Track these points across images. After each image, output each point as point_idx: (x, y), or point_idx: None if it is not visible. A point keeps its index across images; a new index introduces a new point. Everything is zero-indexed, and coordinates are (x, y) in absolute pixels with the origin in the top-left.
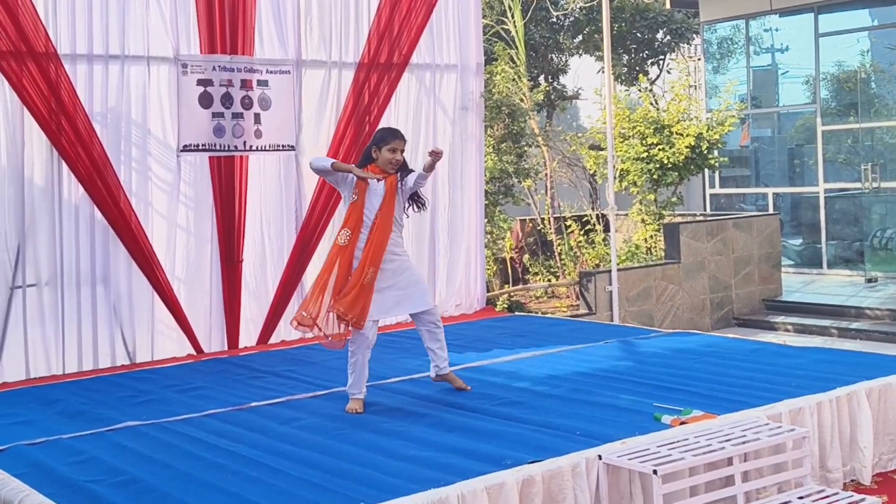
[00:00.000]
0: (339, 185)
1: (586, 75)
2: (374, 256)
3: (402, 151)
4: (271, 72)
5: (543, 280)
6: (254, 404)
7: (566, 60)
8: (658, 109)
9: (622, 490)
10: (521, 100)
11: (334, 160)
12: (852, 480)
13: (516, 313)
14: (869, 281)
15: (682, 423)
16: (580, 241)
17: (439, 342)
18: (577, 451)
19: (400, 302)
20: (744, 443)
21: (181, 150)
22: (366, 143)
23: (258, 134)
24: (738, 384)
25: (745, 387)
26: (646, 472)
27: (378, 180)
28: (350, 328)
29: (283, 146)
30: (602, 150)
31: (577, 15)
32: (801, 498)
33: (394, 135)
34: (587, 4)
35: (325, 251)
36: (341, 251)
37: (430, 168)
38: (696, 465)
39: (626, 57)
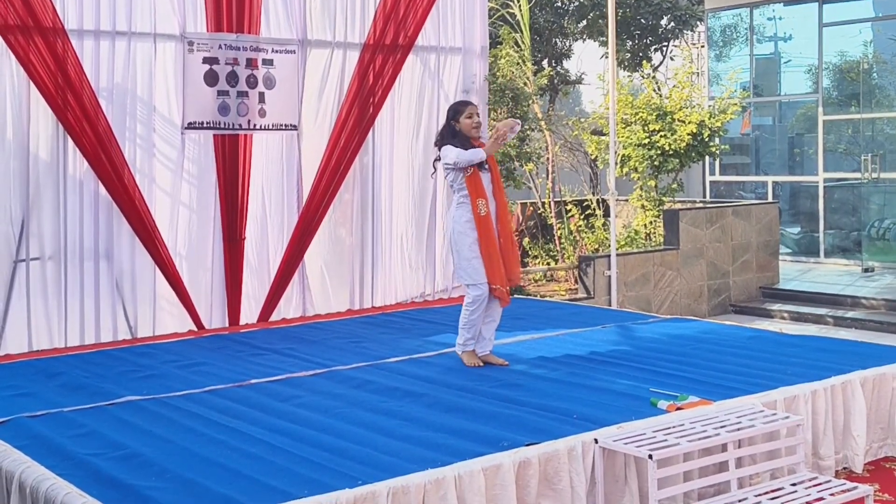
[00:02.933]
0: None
1: (590, 60)
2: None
3: (478, 114)
4: (277, 51)
5: (543, 263)
6: (254, 381)
7: (570, 45)
8: (660, 96)
9: (617, 474)
10: (525, 84)
11: (480, 150)
12: (844, 468)
13: (515, 296)
14: (865, 270)
15: (678, 408)
16: (580, 226)
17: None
18: (573, 434)
19: None
20: (738, 429)
21: (186, 128)
22: (370, 125)
23: (262, 113)
24: (734, 371)
25: (740, 374)
26: (641, 457)
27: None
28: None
29: (286, 125)
30: (604, 135)
31: (581, 0)
32: (794, 485)
33: (464, 104)
34: None
35: (327, 232)
36: (485, 220)
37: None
38: (691, 450)
39: (630, 43)
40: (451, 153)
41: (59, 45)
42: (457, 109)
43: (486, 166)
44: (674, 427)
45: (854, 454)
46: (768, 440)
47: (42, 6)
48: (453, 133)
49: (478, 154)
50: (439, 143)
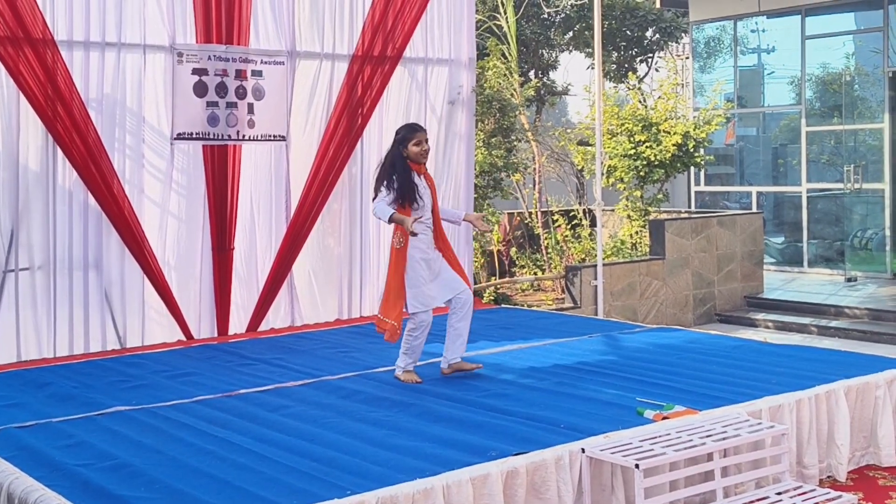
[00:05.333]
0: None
1: (576, 71)
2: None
3: (426, 140)
4: (266, 62)
5: (530, 273)
6: (243, 391)
7: (556, 56)
8: (646, 107)
9: (604, 483)
10: (512, 95)
11: (392, 214)
12: (828, 477)
13: (502, 305)
14: (849, 280)
15: (665, 418)
16: (567, 236)
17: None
18: (560, 443)
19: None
20: (724, 438)
21: (175, 139)
22: (358, 135)
23: (251, 124)
24: (720, 380)
25: (726, 383)
26: (628, 466)
27: (410, 231)
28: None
29: (275, 136)
30: (590, 145)
31: (567, 12)
32: (778, 494)
33: (413, 129)
34: (578, 2)
35: (316, 242)
36: (398, 252)
37: (462, 222)
38: (677, 459)
39: (616, 54)
40: (377, 205)
41: (48, 56)
42: (405, 136)
43: (420, 202)
44: (660, 436)
45: (838, 463)
46: (753, 449)
47: (32, 17)
48: (400, 159)
49: (385, 216)
50: (378, 183)
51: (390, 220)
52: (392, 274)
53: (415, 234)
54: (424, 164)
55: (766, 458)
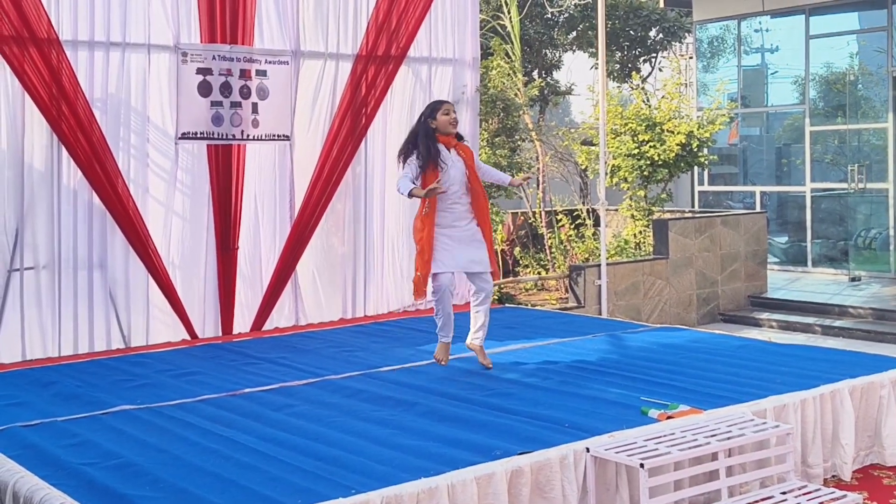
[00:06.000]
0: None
1: (579, 71)
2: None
3: (454, 110)
4: (270, 62)
5: (533, 273)
6: (247, 390)
7: (559, 56)
8: (650, 107)
9: (609, 482)
10: (516, 94)
11: (411, 189)
12: (833, 476)
13: (506, 305)
14: (852, 280)
15: (669, 417)
16: (570, 235)
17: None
18: (565, 443)
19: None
20: (729, 438)
21: (179, 138)
22: (362, 135)
23: (255, 123)
24: (725, 380)
25: (730, 382)
26: (633, 466)
27: (437, 188)
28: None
29: (279, 136)
30: (594, 145)
31: (571, 11)
32: (783, 493)
33: (440, 101)
34: (582, 2)
35: (320, 241)
36: (425, 218)
37: (510, 184)
38: (682, 459)
39: (619, 54)
40: (399, 181)
41: (53, 56)
42: (433, 108)
43: (443, 165)
44: (665, 436)
45: (843, 462)
46: (758, 449)
47: (37, 17)
48: (426, 132)
49: (406, 189)
50: (400, 155)
51: (410, 196)
52: (423, 238)
53: (433, 194)
54: (454, 135)
55: (771, 457)
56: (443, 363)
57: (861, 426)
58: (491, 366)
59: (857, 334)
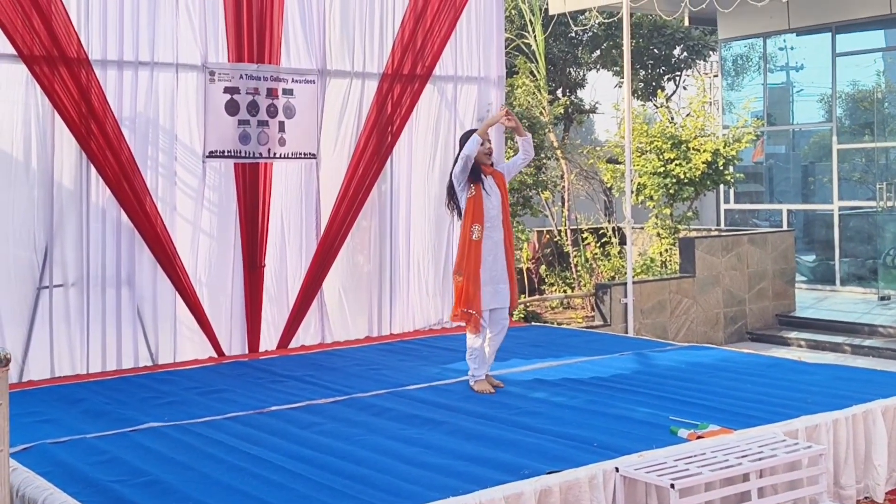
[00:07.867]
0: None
1: (603, 89)
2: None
3: (490, 141)
4: (297, 81)
5: (559, 291)
6: (274, 408)
7: (584, 75)
8: (675, 125)
9: (639, 502)
10: (541, 113)
11: (477, 130)
12: (866, 497)
13: (532, 323)
14: (882, 299)
15: (699, 437)
16: (596, 254)
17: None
18: (594, 462)
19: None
20: (760, 459)
21: (207, 156)
22: (388, 153)
23: (282, 142)
24: (755, 399)
25: (761, 402)
26: (663, 486)
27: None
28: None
29: (305, 154)
30: (619, 163)
31: (595, 30)
32: None
33: (473, 131)
34: (606, 21)
35: (346, 259)
36: (474, 245)
37: (520, 133)
38: (713, 479)
39: (643, 72)
40: (456, 165)
41: (83, 75)
42: (467, 137)
43: (488, 190)
44: (695, 456)
45: (875, 483)
46: (790, 470)
47: (67, 37)
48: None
49: (474, 142)
50: (453, 173)
51: (480, 133)
52: (470, 266)
53: (501, 117)
54: (490, 164)
55: (804, 478)
56: (493, 392)
57: (894, 446)
58: (502, 385)
59: (887, 354)
